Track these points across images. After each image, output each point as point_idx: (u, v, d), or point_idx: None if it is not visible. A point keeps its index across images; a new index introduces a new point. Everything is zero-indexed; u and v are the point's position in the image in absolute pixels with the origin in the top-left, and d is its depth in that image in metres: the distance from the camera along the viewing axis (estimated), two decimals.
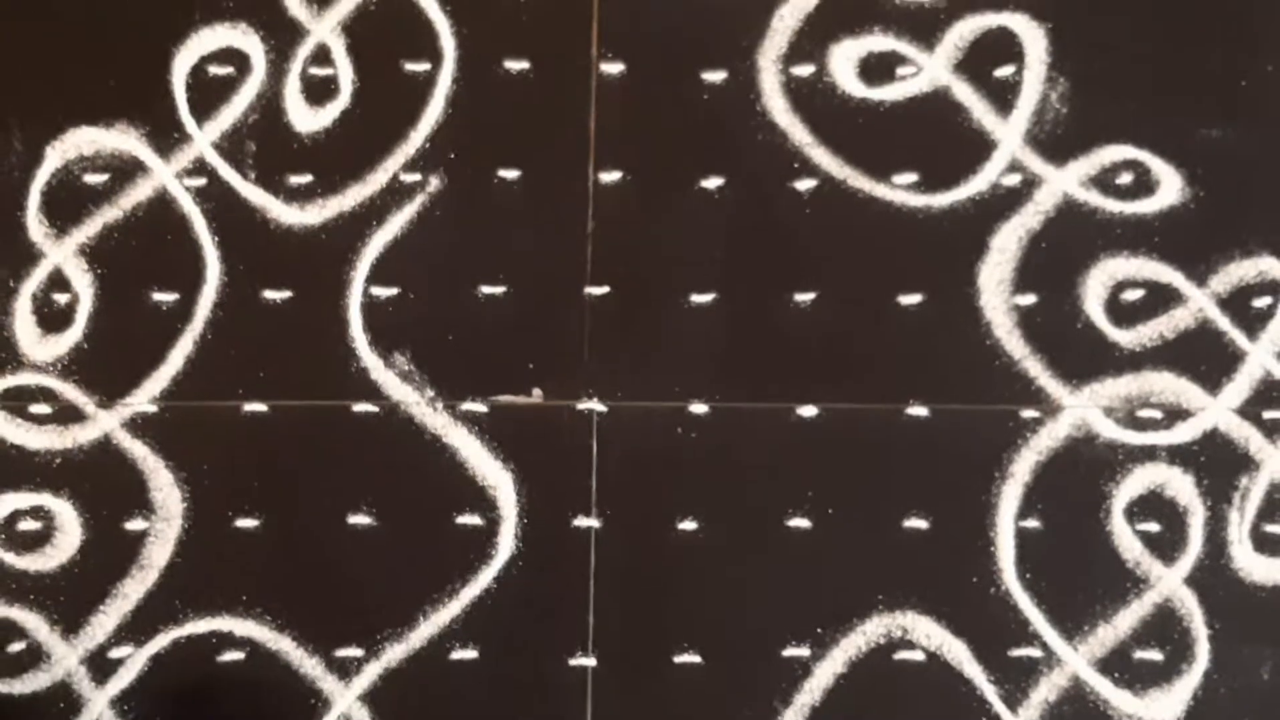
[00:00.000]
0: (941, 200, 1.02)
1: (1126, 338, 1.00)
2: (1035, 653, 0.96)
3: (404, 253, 1.03)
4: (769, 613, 0.98)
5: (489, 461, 1.00)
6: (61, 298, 1.04)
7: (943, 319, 1.01)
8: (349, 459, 1.01)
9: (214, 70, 1.06)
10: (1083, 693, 0.96)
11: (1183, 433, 0.98)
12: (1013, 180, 1.02)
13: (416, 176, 1.04)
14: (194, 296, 1.03)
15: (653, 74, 1.05)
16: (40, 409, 1.03)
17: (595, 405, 1.00)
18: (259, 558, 1.00)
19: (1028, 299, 1.01)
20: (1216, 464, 0.98)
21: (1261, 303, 1.00)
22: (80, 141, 1.05)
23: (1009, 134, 1.03)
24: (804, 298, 1.02)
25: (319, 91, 1.05)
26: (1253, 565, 0.97)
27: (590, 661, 0.97)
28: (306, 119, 1.05)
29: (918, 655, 0.97)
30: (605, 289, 1.02)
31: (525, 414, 1.00)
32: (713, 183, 1.04)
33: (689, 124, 1.04)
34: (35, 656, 1.00)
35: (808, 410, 1.00)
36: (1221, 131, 1.02)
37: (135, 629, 1.00)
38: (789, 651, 0.97)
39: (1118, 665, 0.96)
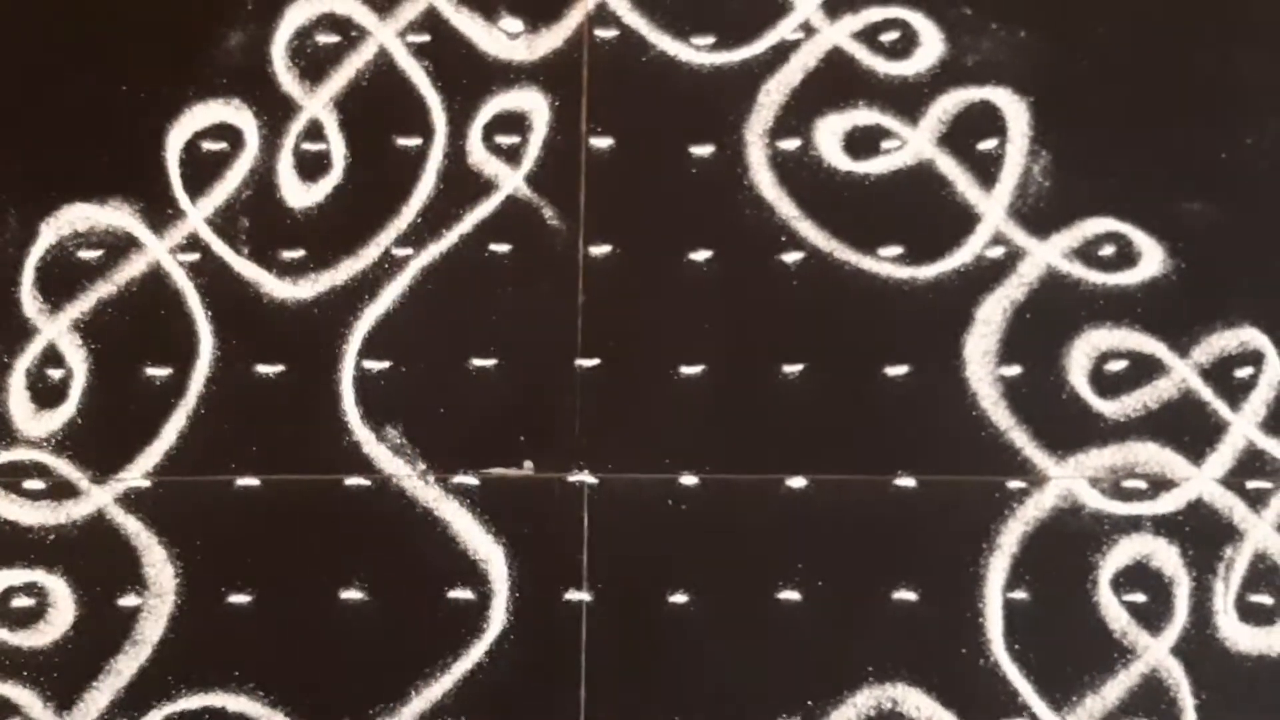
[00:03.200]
0: (927, 272, 1.04)
1: (1111, 408, 1.01)
2: None
3: (395, 326, 1.04)
4: (760, 685, 0.98)
5: (480, 535, 1.01)
6: (55, 373, 1.04)
7: (929, 390, 1.02)
8: (341, 533, 1.01)
9: (208, 146, 1.07)
10: None
11: (1167, 503, 0.99)
12: (997, 252, 1.04)
13: (408, 251, 1.05)
14: (187, 371, 1.04)
15: (642, 148, 1.06)
16: (34, 485, 1.03)
17: (586, 477, 1.01)
18: (251, 633, 1.00)
19: (1013, 370, 1.02)
20: (1201, 534, 0.99)
21: (1243, 373, 1.01)
22: (74, 218, 1.06)
23: (992, 207, 1.04)
24: (792, 369, 1.03)
25: (311, 167, 1.07)
26: (1238, 635, 0.97)
27: None
28: (299, 194, 1.06)
29: None
30: (596, 361, 1.03)
31: (517, 486, 1.01)
32: (701, 255, 1.05)
33: (678, 198, 1.06)
34: None
35: (797, 481, 1.01)
36: (1202, 204, 1.04)
37: (128, 705, 1.00)
38: None
39: None
